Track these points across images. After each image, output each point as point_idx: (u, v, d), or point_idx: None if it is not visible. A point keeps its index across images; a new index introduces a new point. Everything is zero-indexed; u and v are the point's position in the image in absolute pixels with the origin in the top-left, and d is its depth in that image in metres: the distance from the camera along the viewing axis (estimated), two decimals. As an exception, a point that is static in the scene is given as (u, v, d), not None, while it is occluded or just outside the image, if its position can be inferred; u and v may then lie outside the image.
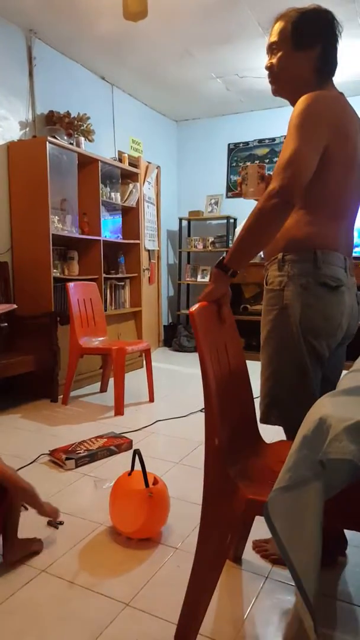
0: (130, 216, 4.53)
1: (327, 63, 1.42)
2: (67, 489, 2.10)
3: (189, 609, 1.24)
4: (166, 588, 1.47)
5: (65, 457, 2.28)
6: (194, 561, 1.23)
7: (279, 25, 1.43)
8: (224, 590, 1.46)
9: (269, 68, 1.47)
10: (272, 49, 1.46)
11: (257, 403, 1.49)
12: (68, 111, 3.84)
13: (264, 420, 1.48)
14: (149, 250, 5.29)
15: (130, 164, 4.50)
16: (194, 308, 1.23)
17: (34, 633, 1.29)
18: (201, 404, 3.09)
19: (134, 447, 2.49)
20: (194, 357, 5.03)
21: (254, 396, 1.48)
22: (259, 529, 1.65)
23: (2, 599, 1.41)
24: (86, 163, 3.87)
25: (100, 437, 2.57)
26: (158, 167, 5.52)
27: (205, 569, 1.23)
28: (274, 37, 1.44)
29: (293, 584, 1.48)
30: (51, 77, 3.90)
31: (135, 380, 3.91)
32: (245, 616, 1.36)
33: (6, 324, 3.02)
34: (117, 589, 1.47)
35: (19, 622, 1.33)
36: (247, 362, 1.49)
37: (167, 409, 3.24)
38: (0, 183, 3.47)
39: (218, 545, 1.25)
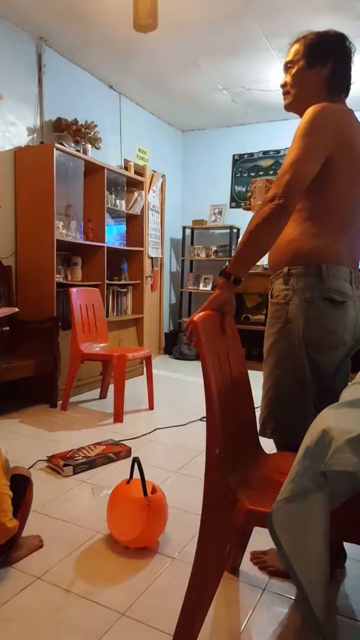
0: (134, 224, 4.55)
1: (338, 80, 1.48)
2: (65, 495, 2.09)
3: (185, 619, 1.23)
4: (163, 598, 1.45)
5: (63, 464, 2.27)
6: (191, 572, 1.22)
7: (295, 46, 1.52)
8: (221, 601, 1.45)
9: (283, 85, 1.55)
10: (287, 67, 1.54)
11: (257, 413, 1.49)
12: (76, 119, 3.88)
13: (261, 433, 1.48)
14: (152, 258, 5.31)
15: (135, 172, 4.53)
16: (197, 316, 1.23)
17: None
18: (201, 413, 3.11)
19: (133, 454, 2.48)
20: (194, 365, 5.03)
21: (255, 406, 1.48)
22: (257, 540, 1.64)
23: (2, 608, 1.40)
24: (92, 170, 3.89)
25: (99, 444, 2.56)
26: (163, 176, 5.55)
27: (203, 579, 1.22)
28: (289, 57, 1.53)
29: (291, 597, 1.47)
30: (60, 85, 3.94)
31: (135, 387, 3.90)
32: (242, 628, 1.35)
33: (8, 328, 3.02)
34: (114, 598, 1.45)
35: (13, 630, 1.32)
36: (248, 371, 1.49)
37: (167, 417, 3.23)
38: (6, 188, 3.50)
39: (216, 556, 1.24)
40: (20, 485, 1.59)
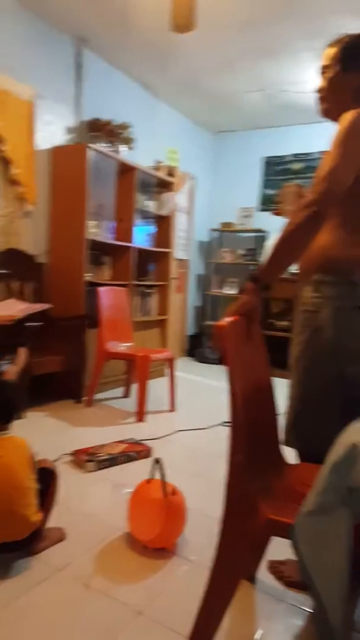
0: (163, 225, 4.58)
1: None
2: (87, 490, 2.13)
3: (201, 624, 1.24)
4: (179, 600, 1.47)
5: (87, 459, 2.31)
6: (209, 577, 1.23)
7: (331, 50, 1.49)
8: (236, 608, 1.45)
9: (319, 90, 1.54)
10: (322, 72, 1.52)
11: (282, 421, 1.49)
12: (111, 119, 3.93)
13: (285, 442, 1.47)
14: (179, 260, 5.33)
15: (166, 173, 4.56)
16: (224, 321, 1.23)
17: (46, 633, 1.31)
18: (223, 417, 3.11)
19: (153, 455, 2.50)
20: (217, 369, 5.02)
21: (279, 413, 1.48)
22: (275, 550, 1.64)
23: (16, 596, 1.44)
24: (124, 170, 3.94)
25: (121, 442, 2.60)
26: (193, 178, 5.57)
27: (220, 585, 1.23)
28: (325, 61, 1.51)
29: (307, 609, 1.46)
30: (97, 85, 4.00)
31: (157, 388, 3.92)
32: (256, 637, 1.35)
33: (40, 324, 3.09)
34: (132, 596, 1.48)
35: (31, 620, 1.36)
36: (272, 378, 1.49)
37: (188, 420, 3.24)
38: (42, 186, 3.57)
39: (235, 563, 1.25)
40: (46, 478, 1.63)
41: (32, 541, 1.58)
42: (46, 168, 3.61)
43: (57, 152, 3.64)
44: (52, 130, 3.66)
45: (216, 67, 4.08)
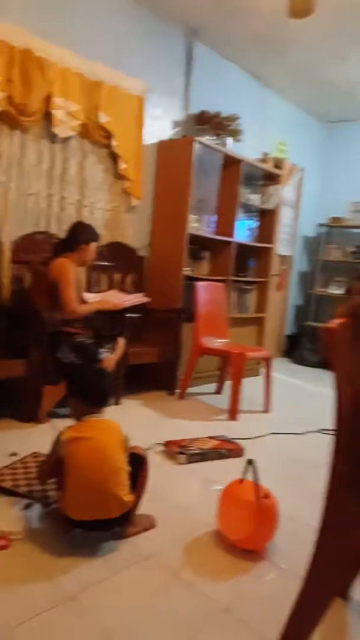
0: (266, 219, 4.46)
1: None
2: (176, 482, 2.14)
3: (289, 636, 1.17)
4: (267, 605, 1.41)
5: (178, 452, 2.33)
6: (301, 589, 1.16)
7: None
8: (327, 624, 1.35)
9: None
10: None
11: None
12: (219, 111, 3.90)
13: None
14: (281, 256, 5.16)
15: (274, 166, 4.42)
16: (333, 323, 1.15)
17: (130, 616, 1.33)
18: (321, 424, 2.95)
19: (245, 455, 2.44)
20: (316, 373, 4.80)
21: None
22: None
23: (104, 577, 1.48)
24: (229, 163, 3.89)
25: (213, 438, 2.58)
26: (302, 170, 5.35)
27: (312, 600, 1.15)
28: None
29: None
30: (206, 77, 3.99)
31: (251, 387, 3.84)
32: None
33: (138, 315, 3.18)
34: (218, 593, 1.45)
35: (117, 602, 1.38)
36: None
37: (283, 423, 3.12)
38: (148, 180, 3.65)
39: (330, 579, 1.16)
40: (137, 463, 1.66)
41: (124, 522, 1.61)
42: (152, 162, 3.68)
43: (163, 146, 3.69)
44: (159, 124, 3.72)
45: (330, 55, 3.87)
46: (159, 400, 3.35)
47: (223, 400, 3.42)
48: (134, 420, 2.88)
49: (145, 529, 1.72)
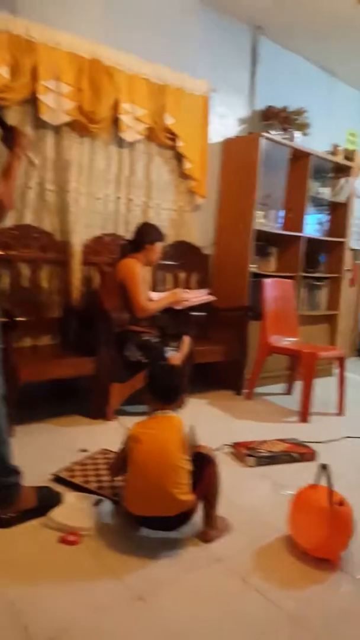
0: (337, 212, 4.27)
1: None
2: (245, 485, 2.08)
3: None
4: (342, 618, 1.33)
5: (247, 454, 2.27)
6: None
7: None
8: None
9: None
10: None
11: None
12: (285, 105, 3.79)
13: None
14: (354, 250, 4.91)
15: (344, 157, 4.22)
16: None
17: (198, 618, 1.30)
18: None
19: (318, 459, 2.33)
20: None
21: None
22: None
23: (172, 577, 1.46)
24: (297, 157, 3.77)
25: (283, 440, 2.49)
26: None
27: None
28: None
29: None
30: (271, 72, 3.91)
31: (323, 388, 3.67)
32: None
33: (203, 314, 3.16)
34: (288, 601, 1.39)
35: (183, 603, 1.36)
36: None
37: (358, 426, 2.95)
38: (213, 179, 3.63)
39: None
40: (201, 463, 1.62)
41: (183, 522, 1.58)
42: (217, 161, 3.65)
43: (228, 144, 3.65)
44: (225, 122, 3.69)
45: None
46: (226, 400, 3.30)
47: (293, 401, 3.31)
48: (200, 420, 2.81)
49: (225, 532, 1.68)
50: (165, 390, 1.68)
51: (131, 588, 1.40)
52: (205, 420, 2.87)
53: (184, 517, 1.57)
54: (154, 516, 1.55)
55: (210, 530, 1.65)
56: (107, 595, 1.38)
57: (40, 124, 2.76)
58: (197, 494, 1.58)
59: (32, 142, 1.98)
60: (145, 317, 2.80)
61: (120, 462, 1.66)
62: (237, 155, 3.57)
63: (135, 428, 1.63)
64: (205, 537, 1.64)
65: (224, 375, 3.49)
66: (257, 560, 1.57)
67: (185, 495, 1.52)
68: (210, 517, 1.65)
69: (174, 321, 3.20)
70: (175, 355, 2.78)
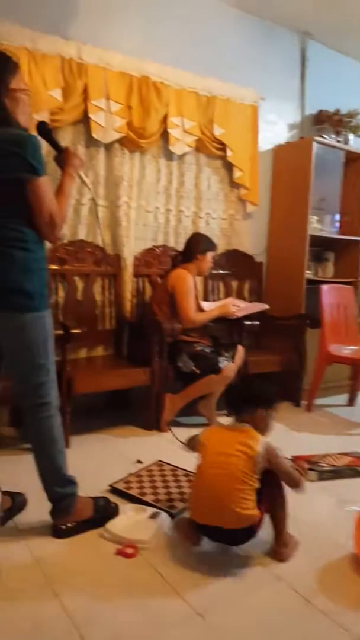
0: None
1: None
2: (307, 500, 1.94)
3: None
4: None
5: (309, 468, 2.16)
6: None
7: None
8: None
9: None
10: None
11: None
12: (338, 108, 3.69)
13: None
14: None
15: None
16: None
17: (257, 639, 1.23)
18: None
19: (386, 473, 2.18)
20: None
21: None
22: None
23: (233, 595, 1.40)
24: (352, 159, 3.65)
25: (346, 454, 2.35)
26: None
27: None
28: None
29: None
30: (321, 76, 3.82)
31: (388, 398, 3.48)
32: None
33: (258, 323, 3.08)
34: (355, 624, 1.28)
35: (245, 622, 1.29)
36: None
37: None
38: (264, 186, 3.58)
39: None
40: (270, 481, 1.54)
41: (247, 537, 1.51)
42: (267, 168, 3.60)
43: (279, 151, 3.60)
44: (275, 129, 3.64)
45: None
46: (284, 411, 3.18)
47: (356, 412, 3.14)
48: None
49: (295, 550, 1.60)
50: (236, 400, 1.64)
51: (190, 604, 1.35)
52: (263, 432, 2.78)
53: (248, 532, 1.49)
54: (216, 527, 1.48)
55: (283, 548, 1.57)
56: (165, 610, 1.33)
57: (91, 143, 2.84)
58: (262, 510, 1.50)
59: (84, 161, 2.04)
60: (192, 328, 2.77)
61: None
62: (289, 161, 3.51)
63: (204, 435, 1.61)
64: (279, 556, 1.56)
65: (280, 386, 3.36)
66: (321, 579, 1.47)
67: (248, 510, 1.45)
68: (281, 534, 1.57)
69: (227, 330, 3.16)
70: (229, 366, 2.72)
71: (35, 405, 1.61)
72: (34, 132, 1.62)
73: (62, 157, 1.68)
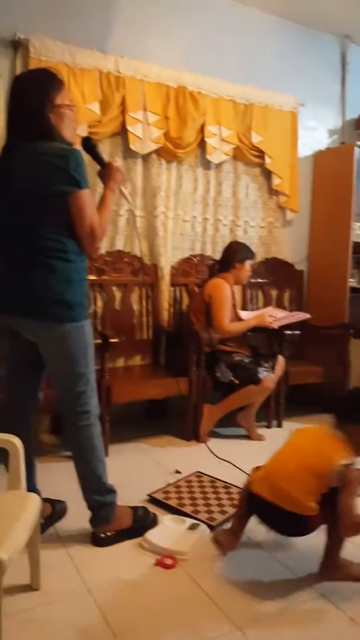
0: None
1: None
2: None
3: None
4: None
5: None
6: None
7: None
8: None
9: None
10: None
11: None
12: (379, 112, 3.61)
13: None
14: None
15: None
16: None
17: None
18: None
19: None
20: None
21: None
22: None
23: (275, 612, 1.35)
24: None
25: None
26: None
27: None
28: None
29: None
30: (362, 80, 3.75)
31: None
32: None
33: (299, 332, 3.01)
34: None
35: (285, 638, 1.25)
36: None
37: None
38: (304, 193, 3.52)
39: None
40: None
41: (295, 528, 1.48)
42: (307, 174, 3.54)
43: (319, 157, 3.54)
44: (314, 135, 3.59)
45: None
46: (325, 424, 3.07)
47: None
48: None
49: (353, 579, 1.49)
50: (343, 410, 1.60)
51: (231, 619, 1.32)
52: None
53: (300, 524, 1.44)
54: (269, 505, 1.44)
55: (329, 569, 1.49)
56: (205, 623, 1.31)
57: (129, 154, 2.87)
58: (321, 515, 1.43)
59: (124, 174, 2.08)
60: (225, 337, 2.73)
61: None
62: (330, 166, 3.45)
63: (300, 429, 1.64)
64: (324, 576, 1.49)
65: (322, 397, 3.27)
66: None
67: (307, 501, 1.41)
68: (331, 555, 1.49)
69: (267, 340, 3.10)
70: (269, 376, 2.66)
71: (75, 413, 1.62)
72: (78, 146, 1.65)
73: (105, 171, 1.71)
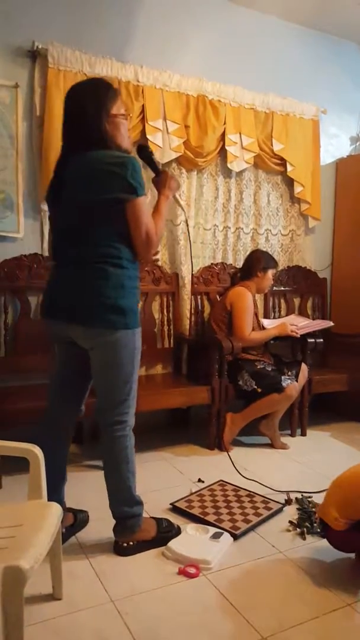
0: None
1: None
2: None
3: None
4: None
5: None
6: None
7: None
8: None
9: None
10: None
11: None
12: None
13: None
14: None
15: None
16: None
17: None
18: None
19: None
20: None
21: None
22: None
23: (299, 621, 1.32)
24: None
25: None
26: None
27: None
28: None
29: None
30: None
31: None
32: None
33: (322, 340, 2.96)
34: None
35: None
36: None
37: None
38: (327, 200, 3.49)
39: None
40: None
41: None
42: (330, 182, 3.51)
43: (342, 164, 3.51)
44: (337, 142, 3.56)
45: None
46: (352, 432, 3.01)
47: None
48: (323, 454, 2.63)
49: None
50: None
51: (257, 629, 1.29)
52: (329, 454, 2.64)
53: (323, 528, 1.49)
54: None
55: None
56: (229, 632, 1.29)
57: (148, 163, 2.89)
58: (351, 536, 1.45)
59: (179, 183, 2.11)
60: (245, 346, 2.70)
61: None
62: (354, 173, 3.41)
63: None
64: None
65: (348, 406, 3.20)
66: None
67: (330, 512, 1.45)
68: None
69: (290, 348, 3.06)
70: (293, 385, 2.62)
71: (112, 422, 1.61)
72: (133, 154, 1.65)
73: (160, 179, 1.71)
